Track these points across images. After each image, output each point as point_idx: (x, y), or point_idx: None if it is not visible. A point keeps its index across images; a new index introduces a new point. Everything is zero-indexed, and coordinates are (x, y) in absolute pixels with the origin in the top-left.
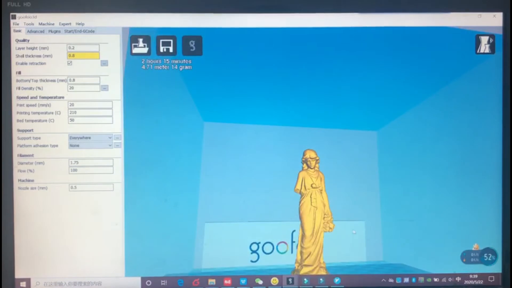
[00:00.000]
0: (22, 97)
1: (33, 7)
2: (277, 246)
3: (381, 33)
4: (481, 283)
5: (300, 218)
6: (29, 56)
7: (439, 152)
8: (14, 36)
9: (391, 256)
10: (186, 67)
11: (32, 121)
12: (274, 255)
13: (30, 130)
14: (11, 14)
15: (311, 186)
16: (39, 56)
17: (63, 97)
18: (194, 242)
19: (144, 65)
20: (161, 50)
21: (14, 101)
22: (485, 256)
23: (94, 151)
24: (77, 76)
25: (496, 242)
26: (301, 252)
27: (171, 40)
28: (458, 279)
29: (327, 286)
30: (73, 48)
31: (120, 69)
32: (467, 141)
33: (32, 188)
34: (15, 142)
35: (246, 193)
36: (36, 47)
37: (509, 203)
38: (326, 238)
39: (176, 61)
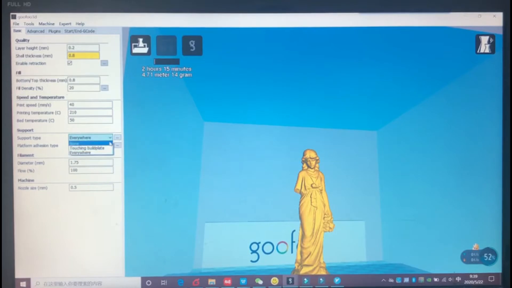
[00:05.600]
0: (22, 97)
1: (33, 7)
2: (277, 246)
3: (381, 33)
4: (481, 283)
5: (300, 218)
6: (29, 56)
7: (439, 152)
8: (14, 36)
9: (391, 256)
10: (186, 75)
11: (32, 121)
12: (274, 255)
13: (30, 130)
14: (11, 14)
15: (311, 186)
16: (39, 56)
17: (63, 97)
18: (194, 242)
19: (144, 73)
20: (161, 50)
21: (14, 101)
22: (485, 256)
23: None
24: (77, 76)
25: (496, 242)
26: (301, 252)
27: (171, 40)
28: (458, 279)
29: (327, 286)
30: (73, 48)
31: (120, 69)
32: (467, 141)
33: (32, 188)
34: (15, 142)
35: (246, 193)
36: (36, 47)
37: (509, 203)
38: (326, 238)
39: (177, 69)
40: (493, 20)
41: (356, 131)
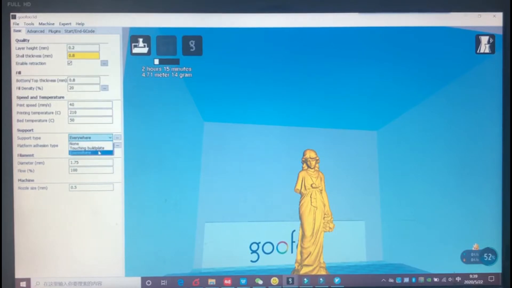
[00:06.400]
0: (22, 97)
1: (33, 7)
2: (277, 246)
3: (381, 33)
4: (481, 283)
5: (300, 218)
6: (29, 56)
7: (439, 152)
8: (14, 36)
9: (391, 256)
10: (186, 75)
11: (32, 121)
12: (274, 255)
13: (30, 130)
14: (11, 14)
15: (311, 186)
16: (39, 56)
17: (63, 97)
18: (194, 242)
19: (144, 73)
20: (161, 50)
21: (14, 101)
22: (485, 256)
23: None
24: (77, 76)
25: (496, 242)
26: (301, 252)
27: (171, 40)
28: (458, 279)
29: (327, 286)
30: (73, 48)
31: (120, 69)
32: (467, 141)
33: (32, 188)
34: (15, 142)
35: (246, 193)
36: (36, 47)
37: (509, 203)
38: (326, 238)
39: (177, 69)
40: (493, 20)
41: (356, 131)
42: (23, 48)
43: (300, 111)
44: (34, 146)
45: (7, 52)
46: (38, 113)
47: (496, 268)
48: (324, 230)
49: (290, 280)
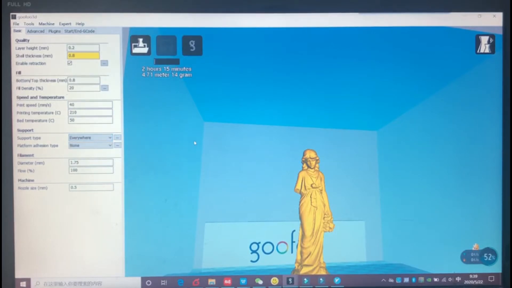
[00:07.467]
0: (22, 97)
1: (33, 7)
2: (277, 246)
3: (381, 33)
4: (481, 283)
5: (300, 218)
6: (29, 56)
7: (439, 152)
8: (14, 36)
9: (391, 256)
10: (186, 75)
11: (32, 121)
12: (274, 255)
13: (30, 130)
14: (11, 14)
15: (311, 186)
16: (39, 56)
17: (63, 97)
18: (194, 242)
19: (144, 73)
20: (161, 50)
21: (14, 101)
22: (485, 256)
23: (94, 151)
24: (77, 76)
25: (496, 242)
26: (301, 252)
27: (171, 40)
28: (458, 279)
29: (327, 286)
30: (73, 48)
31: (120, 69)
32: (467, 141)
33: (32, 188)
34: (15, 142)
35: (246, 193)
36: (36, 47)
37: (509, 203)
38: (326, 238)
39: (177, 69)
40: (493, 20)
41: (356, 131)
42: (23, 48)
43: (300, 111)
44: (34, 146)
45: (7, 52)
46: (38, 113)
47: (496, 268)
48: (324, 230)
49: (290, 280)
